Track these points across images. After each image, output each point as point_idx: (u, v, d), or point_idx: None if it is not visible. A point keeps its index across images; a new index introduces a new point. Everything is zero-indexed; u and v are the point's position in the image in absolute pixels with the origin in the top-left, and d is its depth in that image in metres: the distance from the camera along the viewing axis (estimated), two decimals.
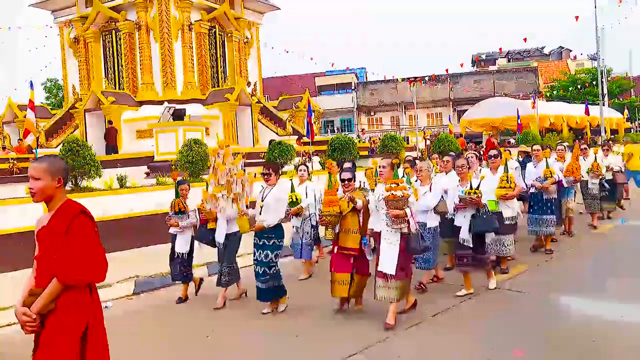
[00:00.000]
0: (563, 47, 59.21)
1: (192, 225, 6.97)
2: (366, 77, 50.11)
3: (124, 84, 21.40)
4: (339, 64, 29.86)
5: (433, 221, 6.70)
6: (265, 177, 6.20)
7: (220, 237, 6.47)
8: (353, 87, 47.30)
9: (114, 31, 21.65)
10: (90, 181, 10.32)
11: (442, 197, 6.66)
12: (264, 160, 16.00)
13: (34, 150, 11.13)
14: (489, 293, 6.54)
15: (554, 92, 42.89)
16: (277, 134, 21.69)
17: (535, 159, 9.01)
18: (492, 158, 7.77)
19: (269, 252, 6.04)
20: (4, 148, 19.89)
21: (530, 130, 23.66)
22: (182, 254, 6.92)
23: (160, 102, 19.88)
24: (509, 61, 57.83)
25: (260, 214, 6.10)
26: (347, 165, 8.62)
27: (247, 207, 6.41)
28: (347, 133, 34.13)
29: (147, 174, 14.95)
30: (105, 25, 21.67)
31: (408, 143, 29.87)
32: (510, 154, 10.85)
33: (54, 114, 22.51)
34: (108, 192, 10.54)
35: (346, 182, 6.09)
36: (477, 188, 6.39)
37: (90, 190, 10.18)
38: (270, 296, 6.13)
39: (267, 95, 30.13)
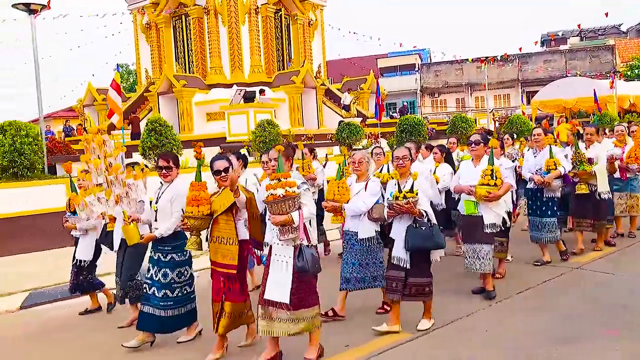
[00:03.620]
0: None
1: (94, 227, 5.66)
2: (430, 58, 48.99)
3: (194, 67, 22.05)
4: (403, 45, 29.28)
5: (366, 230, 5.08)
6: (164, 172, 4.73)
7: (115, 245, 5.25)
8: (417, 68, 46.42)
9: (183, 16, 22.29)
10: None
11: (380, 199, 5.07)
12: (331, 141, 16.10)
13: (119, 130, 11.66)
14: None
15: (634, 71, 40.33)
16: (341, 115, 21.70)
17: (535, 145, 7.10)
18: (473, 145, 5.73)
19: (167, 270, 4.67)
20: (85, 130, 21.04)
21: (607, 112, 22.43)
22: (83, 261, 5.75)
23: (229, 85, 20.36)
24: (581, 39, 54.78)
25: (155, 219, 4.75)
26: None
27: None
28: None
29: (221, 154, 15.40)
30: (176, 10, 22.33)
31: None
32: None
33: (129, 98, 23.53)
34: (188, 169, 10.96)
35: (222, 174, 4.36)
36: (411, 189, 4.67)
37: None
38: (169, 326, 4.75)
39: (330, 78, 30.12)
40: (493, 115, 28.12)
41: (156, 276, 4.68)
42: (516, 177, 7.10)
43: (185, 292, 4.77)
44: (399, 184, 4.75)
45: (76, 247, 5.83)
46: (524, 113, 22.13)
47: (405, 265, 4.74)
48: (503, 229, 5.85)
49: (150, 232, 4.75)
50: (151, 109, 21.10)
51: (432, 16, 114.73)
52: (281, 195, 3.95)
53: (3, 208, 8.76)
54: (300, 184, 4.12)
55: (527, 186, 7.05)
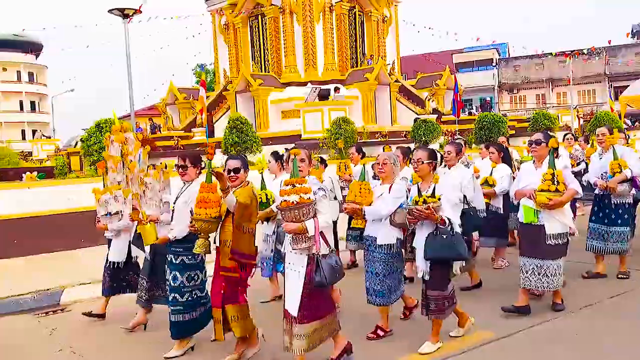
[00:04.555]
0: None
1: (126, 228, 5.49)
2: (508, 53, 47.14)
3: (270, 66, 22.52)
4: (481, 40, 28.29)
5: (387, 236, 4.68)
6: (180, 171, 4.64)
7: (147, 247, 5.12)
8: (494, 64, 44.81)
9: (260, 16, 22.80)
10: (252, 156, 11.06)
11: (405, 203, 4.65)
12: (406, 138, 15.89)
13: (203, 127, 12.13)
14: None
15: None
16: (415, 112, 21.36)
17: (601, 146, 6.34)
18: (534, 145, 5.15)
19: (177, 273, 4.53)
20: (168, 129, 22.09)
21: None
22: (116, 262, 5.58)
23: (303, 84, 20.62)
24: None
25: (172, 220, 4.64)
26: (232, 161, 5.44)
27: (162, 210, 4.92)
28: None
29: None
30: (253, 10, 22.87)
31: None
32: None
33: (208, 96, 24.39)
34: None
35: (232, 174, 4.25)
36: (432, 194, 4.35)
37: (252, 164, 10.93)
38: (178, 332, 4.56)
39: (404, 74, 29.74)
40: (577, 111, 26.62)
41: (168, 279, 4.57)
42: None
43: (195, 296, 4.56)
44: (419, 188, 4.46)
45: (109, 248, 5.65)
46: (612, 109, 20.77)
47: (424, 277, 4.42)
48: (567, 241, 5.07)
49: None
50: (229, 107, 21.76)
51: (512, 9, 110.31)
52: (294, 202, 3.72)
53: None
54: (316, 190, 3.90)
55: (595, 191, 6.33)
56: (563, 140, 8.45)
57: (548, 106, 40.50)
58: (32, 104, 55.93)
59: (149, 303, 5.20)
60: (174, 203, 4.63)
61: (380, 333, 4.74)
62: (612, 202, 6.13)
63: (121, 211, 4.95)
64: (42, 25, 61.01)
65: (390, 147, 8.11)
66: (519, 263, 5.14)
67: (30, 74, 56.06)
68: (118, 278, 5.61)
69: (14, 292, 6.59)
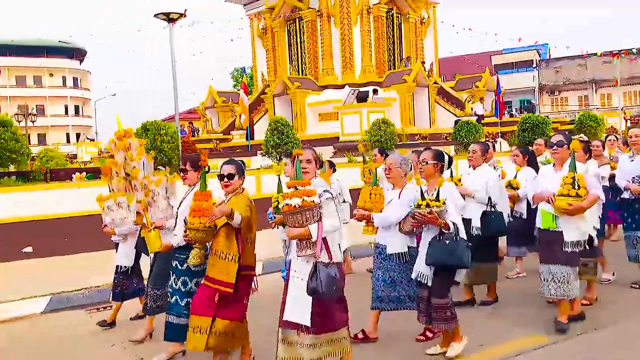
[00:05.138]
0: None
1: (133, 231, 5.41)
2: (549, 54, 46.02)
3: (307, 69, 22.62)
4: (523, 40, 27.69)
5: (397, 245, 4.55)
6: (181, 174, 4.59)
7: (144, 253, 5.12)
8: (534, 65, 43.82)
9: (297, 20, 22.95)
10: None
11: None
12: (446, 140, 15.69)
13: (244, 130, 12.27)
14: None
15: None
16: (455, 115, 21.06)
17: (633, 148, 6.01)
18: (555, 147, 4.87)
19: (187, 278, 4.46)
20: (208, 132, 22.45)
21: None
22: (123, 267, 5.51)
23: (340, 86, 20.63)
24: None
25: (175, 226, 4.55)
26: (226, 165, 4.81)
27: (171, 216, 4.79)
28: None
29: (335, 153, 15.71)
30: (290, 14, 23.03)
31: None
32: None
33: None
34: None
35: (225, 180, 4.07)
36: (437, 198, 4.14)
37: None
38: (171, 335, 4.49)
39: (443, 76, 29.40)
40: (624, 113, 25.72)
41: (176, 284, 4.46)
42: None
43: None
44: (422, 191, 4.21)
45: (117, 252, 5.60)
46: None
47: (426, 282, 4.24)
48: (588, 248, 4.81)
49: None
50: (267, 110, 21.96)
51: (554, 9, 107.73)
52: (297, 206, 3.47)
53: None
54: (321, 192, 3.65)
55: (623, 196, 5.96)
56: (605, 141, 8.16)
57: (591, 108, 39.32)
58: (77, 108, 57.86)
59: (159, 311, 4.98)
60: (178, 208, 4.54)
61: (429, 334, 4.63)
62: None
63: (126, 218, 4.77)
64: (88, 32, 62.96)
65: (388, 151, 7.86)
66: (539, 270, 4.87)
67: (75, 79, 58.01)
68: (127, 283, 5.53)
69: (67, 288, 6.80)
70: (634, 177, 5.82)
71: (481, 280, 5.55)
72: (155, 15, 9.67)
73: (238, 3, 25.71)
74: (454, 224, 4.12)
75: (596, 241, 4.94)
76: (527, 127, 14.78)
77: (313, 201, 3.51)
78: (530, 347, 4.44)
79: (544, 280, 4.78)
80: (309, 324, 3.58)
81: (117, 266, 5.53)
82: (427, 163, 4.34)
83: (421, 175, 4.41)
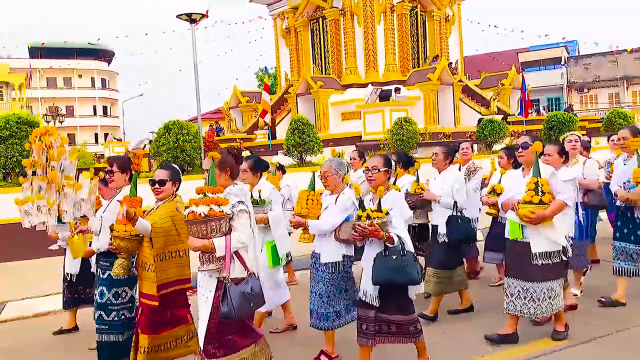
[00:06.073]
0: None
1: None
2: (578, 51, 44.99)
3: (330, 69, 22.61)
4: (550, 37, 27.17)
5: (332, 254, 4.16)
6: (107, 176, 4.26)
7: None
8: (563, 62, 42.87)
9: (320, 19, 22.95)
10: (313, 157, 11.14)
11: (353, 215, 4.02)
12: (471, 139, 15.47)
13: (266, 129, 12.33)
14: None
15: None
16: (480, 113, 20.77)
17: (623, 151, 5.48)
18: (520, 149, 4.51)
19: (104, 288, 4.06)
20: (232, 131, 22.65)
21: None
22: (71, 274, 5.14)
23: (364, 85, 20.55)
24: None
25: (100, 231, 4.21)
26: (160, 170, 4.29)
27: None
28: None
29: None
30: (313, 13, 23.05)
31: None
32: None
33: (270, 99, 24.80)
34: None
35: (156, 186, 3.76)
36: (379, 208, 3.72)
37: (314, 165, 11.02)
38: (104, 355, 4.06)
39: (468, 74, 29.04)
40: None
41: (95, 294, 4.12)
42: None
43: (123, 316, 4.07)
44: (362, 201, 3.84)
45: (65, 258, 5.19)
46: None
47: (372, 302, 3.80)
48: (561, 260, 4.36)
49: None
50: (290, 110, 22.02)
51: (583, 4, 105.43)
52: (202, 214, 3.09)
53: None
54: (235, 202, 3.23)
55: (617, 203, 5.40)
56: (608, 141, 7.82)
57: (622, 105, 38.33)
58: (105, 108, 59.05)
59: None
60: (103, 212, 4.21)
61: (324, 359, 4.24)
62: (636, 215, 5.23)
63: (45, 222, 4.28)
64: (115, 33, 64.18)
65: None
66: (505, 284, 4.54)
67: (103, 80, 59.19)
68: (76, 290, 5.21)
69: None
70: (624, 182, 5.32)
71: (452, 288, 5.24)
72: (178, 16, 9.78)
73: (262, 3, 25.85)
74: (399, 237, 3.72)
75: (570, 252, 4.49)
76: (553, 125, 14.48)
77: (222, 211, 3.14)
78: (550, 349, 4.34)
79: (509, 295, 4.41)
80: (202, 347, 3.26)
81: (66, 274, 5.19)
82: (378, 170, 3.95)
83: (370, 183, 4.00)
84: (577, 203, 5.04)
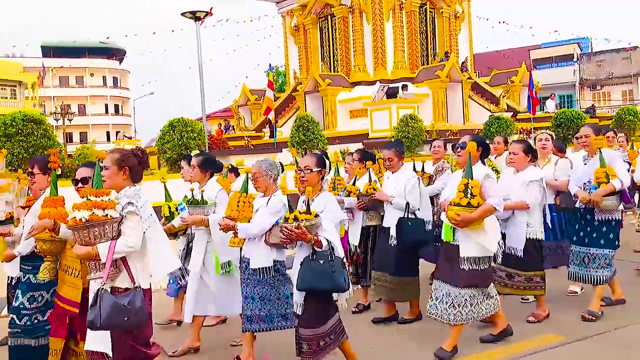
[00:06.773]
0: None
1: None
2: (591, 47, 44.42)
3: (338, 66, 22.59)
4: (560, 34, 26.88)
5: (261, 259, 4.01)
6: (30, 179, 4.08)
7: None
8: (575, 59, 42.36)
9: (329, 16, 22.93)
10: None
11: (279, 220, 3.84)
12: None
13: (271, 125, 12.34)
14: None
15: None
16: (489, 110, 20.62)
17: (584, 149, 5.17)
18: (459, 149, 4.40)
19: (19, 292, 3.92)
20: (241, 129, 22.73)
21: None
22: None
23: (372, 83, 20.50)
24: None
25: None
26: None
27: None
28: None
29: (364, 149, 15.65)
30: (322, 11, 23.03)
31: None
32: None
33: (278, 97, 24.83)
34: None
35: (79, 185, 3.59)
36: (308, 210, 3.57)
37: None
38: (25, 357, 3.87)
39: (478, 71, 28.84)
40: None
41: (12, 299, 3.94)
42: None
43: (36, 320, 3.88)
44: (289, 203, 3.71)
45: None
46: None
47: (297, 310, 3.64)
48: (489, 267, 4.20)
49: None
50: (298, 108, 22.03)
51: (592, 1, 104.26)
52: (84, 220, 2.88)
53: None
54: (124, 204, 3.04)
55: (576, 204, 5.03)
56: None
57: (636, 102, 37.84)
58: (116, 107, 59.54)
59: None
60: (25, 216, 4.01)
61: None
62: (595, 218, 4.92)
63: None
64: (125, 32, 64.60)
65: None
66: (432, 286, 4.40)
67: (115, 79, 59.66)
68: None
69: None
70: (584, 183, 5.00)
71: (401, 297, 5.01)
72: (182, 14, 9.83)
73: (271, 1, 25.88)
74: (328, 240, 3.54)
75: (499, 258, 4.33)
76: (561, 122, 14.33)
77: (107, 215, 2.93)
78: (548, 345, 4.34)
79: (435, 298, 4.25)
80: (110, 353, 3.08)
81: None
82: (311, 171, 3.80)
83: (302, 184, 3.86)
84: (545, 205, 4.82)
